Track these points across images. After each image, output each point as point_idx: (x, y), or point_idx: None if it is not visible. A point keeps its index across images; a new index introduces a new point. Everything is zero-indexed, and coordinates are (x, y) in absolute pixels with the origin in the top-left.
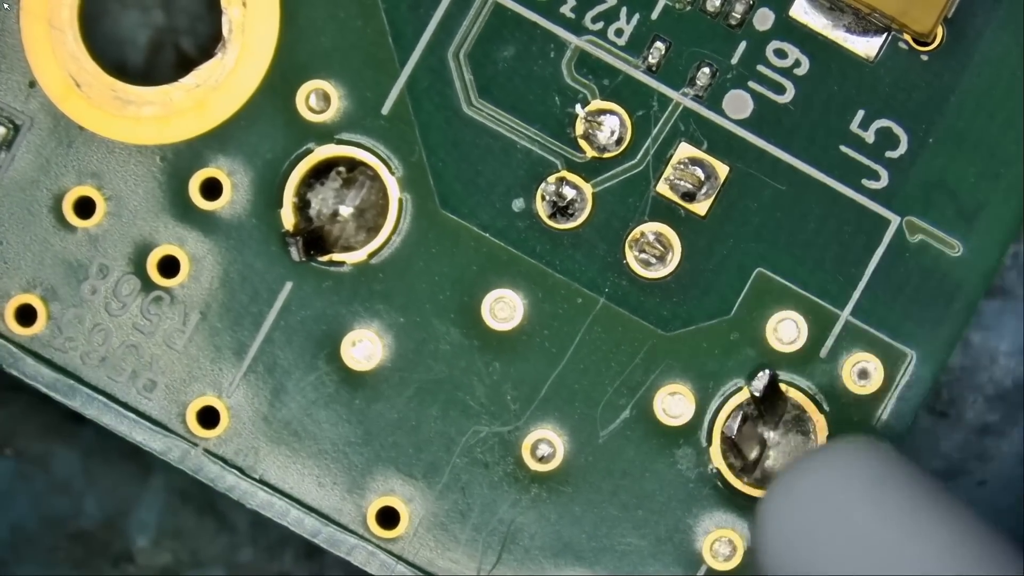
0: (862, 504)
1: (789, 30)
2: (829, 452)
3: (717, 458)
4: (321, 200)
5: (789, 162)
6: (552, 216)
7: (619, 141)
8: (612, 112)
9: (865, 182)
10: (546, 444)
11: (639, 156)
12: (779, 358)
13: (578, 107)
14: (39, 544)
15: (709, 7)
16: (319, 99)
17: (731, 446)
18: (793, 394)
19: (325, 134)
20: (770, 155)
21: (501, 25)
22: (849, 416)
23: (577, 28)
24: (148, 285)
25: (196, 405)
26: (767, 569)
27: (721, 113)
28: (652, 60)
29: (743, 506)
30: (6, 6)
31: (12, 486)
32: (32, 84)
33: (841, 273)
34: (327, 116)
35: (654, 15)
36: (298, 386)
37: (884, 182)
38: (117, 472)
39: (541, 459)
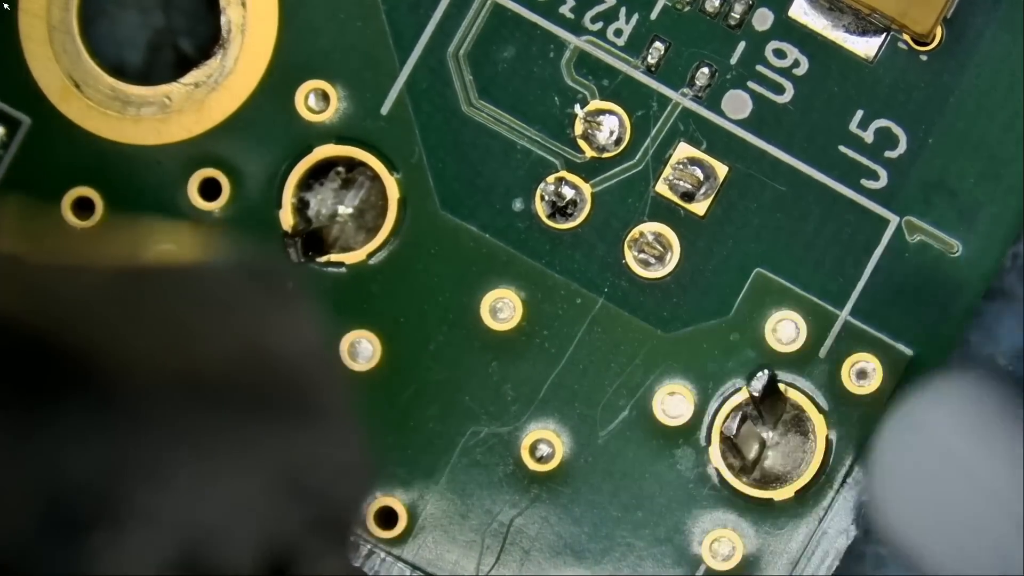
0: (981, 437)
1: (788, 30)
2: (943, 386)
3: (716, 458)
4: (320, 201)
5: (788, 162)
6: (551, 216)
7: (618, 141)
8: (611, 112)
9: (864, 182)
10: (545, 444)
11: (638, 156)
12: (778, 358)
13: (577, 107)
14: None
15: (708, 7)
16: (318, 99)
17: (730, 446)
18: (792, 394)
19: (324, 134)
20: (769, 155)
21: (500, 25)
22: (848, 416)
23: (576, 28)
24: None
25: None
26: (884, 511)
27: (720, 113)
28: (651, 60)
29: (742, 506)
30: (6, 6)
31: None
32: (31, 84)
33: (840, 273)
34: (326, 116)
35: (653, 15)
36: None
37: (883, 182)
38: None
39: (540, 459)
